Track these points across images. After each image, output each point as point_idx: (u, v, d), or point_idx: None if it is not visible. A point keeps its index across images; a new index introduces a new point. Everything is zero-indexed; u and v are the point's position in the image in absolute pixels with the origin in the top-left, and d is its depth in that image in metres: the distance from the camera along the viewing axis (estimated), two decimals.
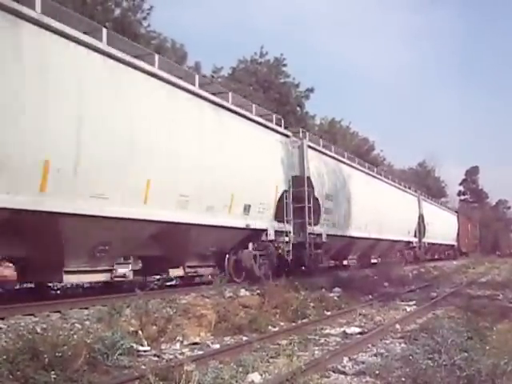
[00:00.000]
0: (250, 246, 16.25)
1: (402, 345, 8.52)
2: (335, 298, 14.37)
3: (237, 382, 5.92)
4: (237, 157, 15.00)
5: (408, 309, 13.36)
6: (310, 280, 15.76)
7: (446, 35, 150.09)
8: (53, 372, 5.85)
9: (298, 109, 43.71)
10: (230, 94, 15.91)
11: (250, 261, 15.94)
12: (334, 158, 23.69)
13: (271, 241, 17.04)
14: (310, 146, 20.64)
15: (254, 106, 17.20)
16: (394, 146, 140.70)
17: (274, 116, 18.28)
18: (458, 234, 54.48)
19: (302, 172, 19.66)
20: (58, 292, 12.45)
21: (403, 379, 5.99)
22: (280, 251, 17.41)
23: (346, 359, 7.52)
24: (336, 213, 22.74)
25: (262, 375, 6.41)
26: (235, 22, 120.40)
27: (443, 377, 5.82)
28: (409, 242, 36.00)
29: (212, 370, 6.17)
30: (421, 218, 38.39)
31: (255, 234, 16.41)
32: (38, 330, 7.44)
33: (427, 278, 23.34)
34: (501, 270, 33.84)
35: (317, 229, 20.23)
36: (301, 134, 20.59)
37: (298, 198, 19.15)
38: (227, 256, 15.55)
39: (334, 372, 6.85)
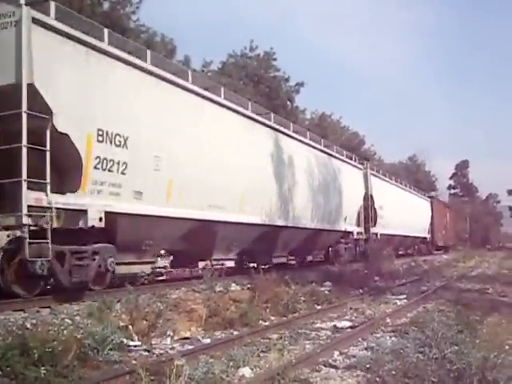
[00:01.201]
0: None
1: (393, 338, 8.53)
2: (326, 292, 14.40)
3: (227, 376, 5.91)
4: None
5: (398, 302, 13.39)
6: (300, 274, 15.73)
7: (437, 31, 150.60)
8: (43, 367, 5.84)
9: (288, 103, 43.79)
10: None
11: None
12: (149, 71, 12.64)
13: None
14: (38, 22, 9.85)
15: None
16: (386, 140, 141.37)
17: None
18: (431, 224, 45.98)
19: (19, 75, 9.57)
20: (48, 287, 12.34)
21: (394, 373, 6.00)
22: None
23: (336, 353, 7.52)
24: (145, 172, 12.22)
25: (252, 369, 6.42)
26: (226, 16, 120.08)
27: (434, 370, 5.84)
28: (348, 233, 26.23)
29: (203, 364, 6.15)
30: (368, 199, 28.89)
31: None
32: (28, 326, 7.42)
33: (417, 272, 23.41)
34: (490, 263, 34.02)
35: (70, 200, 10.42)
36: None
37: (8, 134, 9.58)
38: None
39: (324, 366, 6.85)
